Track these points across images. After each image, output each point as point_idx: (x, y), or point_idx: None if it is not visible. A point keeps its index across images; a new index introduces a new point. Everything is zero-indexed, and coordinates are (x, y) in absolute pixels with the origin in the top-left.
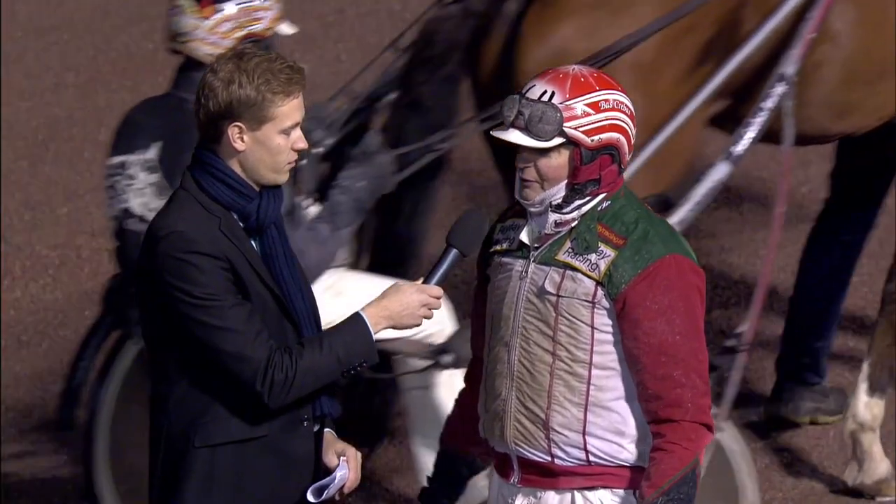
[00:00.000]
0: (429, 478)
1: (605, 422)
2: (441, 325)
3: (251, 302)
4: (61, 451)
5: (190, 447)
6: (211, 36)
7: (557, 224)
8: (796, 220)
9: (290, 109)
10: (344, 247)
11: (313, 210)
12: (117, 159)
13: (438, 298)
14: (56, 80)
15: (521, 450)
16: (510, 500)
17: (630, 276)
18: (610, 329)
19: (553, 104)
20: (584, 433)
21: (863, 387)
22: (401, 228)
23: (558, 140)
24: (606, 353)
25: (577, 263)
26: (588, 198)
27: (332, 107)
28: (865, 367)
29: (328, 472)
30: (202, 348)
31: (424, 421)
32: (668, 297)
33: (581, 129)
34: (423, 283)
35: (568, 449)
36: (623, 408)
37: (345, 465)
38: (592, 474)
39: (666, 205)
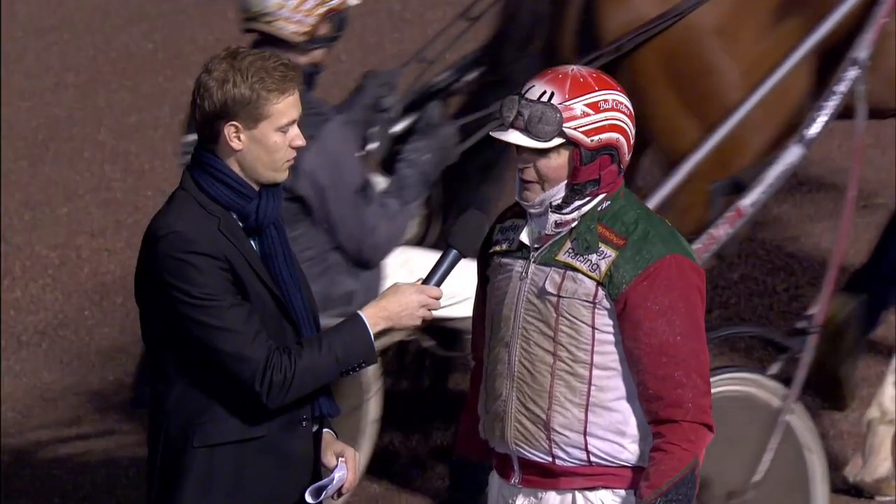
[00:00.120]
0: (449, 488)
1: (605, 422)
2: None
3: (250, 302)
4: (61, 450)
5: (189, 447)
6: (296, 14)
7: (557, 224)
8: (871, 206)
9: (286, 107)
10: (412, 220)
11: (381, 184)
12: (190, 137)
13: (438, 299)
14: (56, 80)
15: (521, 450)
16: (511, 501)
17: (631, 277)
18: (611, 329)
19: (552, 105)
20: (584, 433)
21: (891, 378)
22: (469, 197)
23: (558, 140)
24: (607, 353)
25: (577, 264)
26: (588, 198)
27: (403, 73)
28: (895, 360)
29: (327, 472)
30: (201, 348)
31: None
32: (668, 298)
33: (580, 129)
34: (423, 283)
35: (569, 449)
36: (624, 408)
37: (343, 466)
38: (593, 475)
39: (738, 187)
